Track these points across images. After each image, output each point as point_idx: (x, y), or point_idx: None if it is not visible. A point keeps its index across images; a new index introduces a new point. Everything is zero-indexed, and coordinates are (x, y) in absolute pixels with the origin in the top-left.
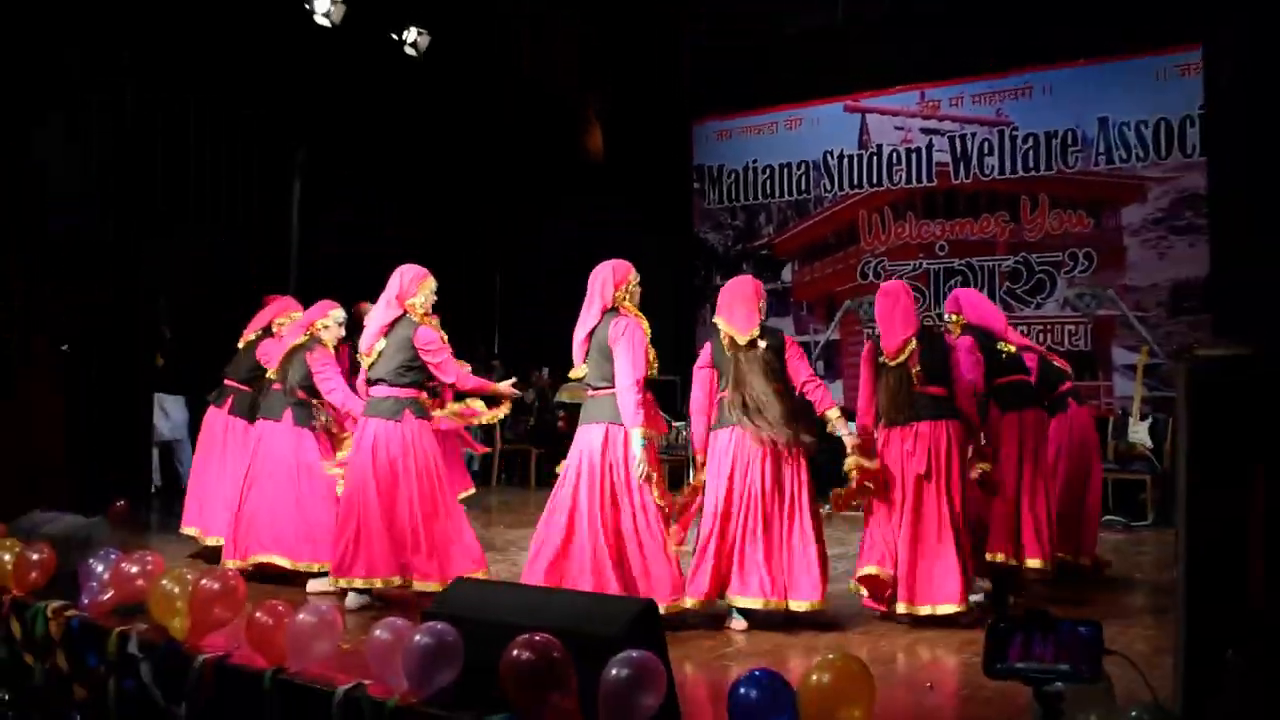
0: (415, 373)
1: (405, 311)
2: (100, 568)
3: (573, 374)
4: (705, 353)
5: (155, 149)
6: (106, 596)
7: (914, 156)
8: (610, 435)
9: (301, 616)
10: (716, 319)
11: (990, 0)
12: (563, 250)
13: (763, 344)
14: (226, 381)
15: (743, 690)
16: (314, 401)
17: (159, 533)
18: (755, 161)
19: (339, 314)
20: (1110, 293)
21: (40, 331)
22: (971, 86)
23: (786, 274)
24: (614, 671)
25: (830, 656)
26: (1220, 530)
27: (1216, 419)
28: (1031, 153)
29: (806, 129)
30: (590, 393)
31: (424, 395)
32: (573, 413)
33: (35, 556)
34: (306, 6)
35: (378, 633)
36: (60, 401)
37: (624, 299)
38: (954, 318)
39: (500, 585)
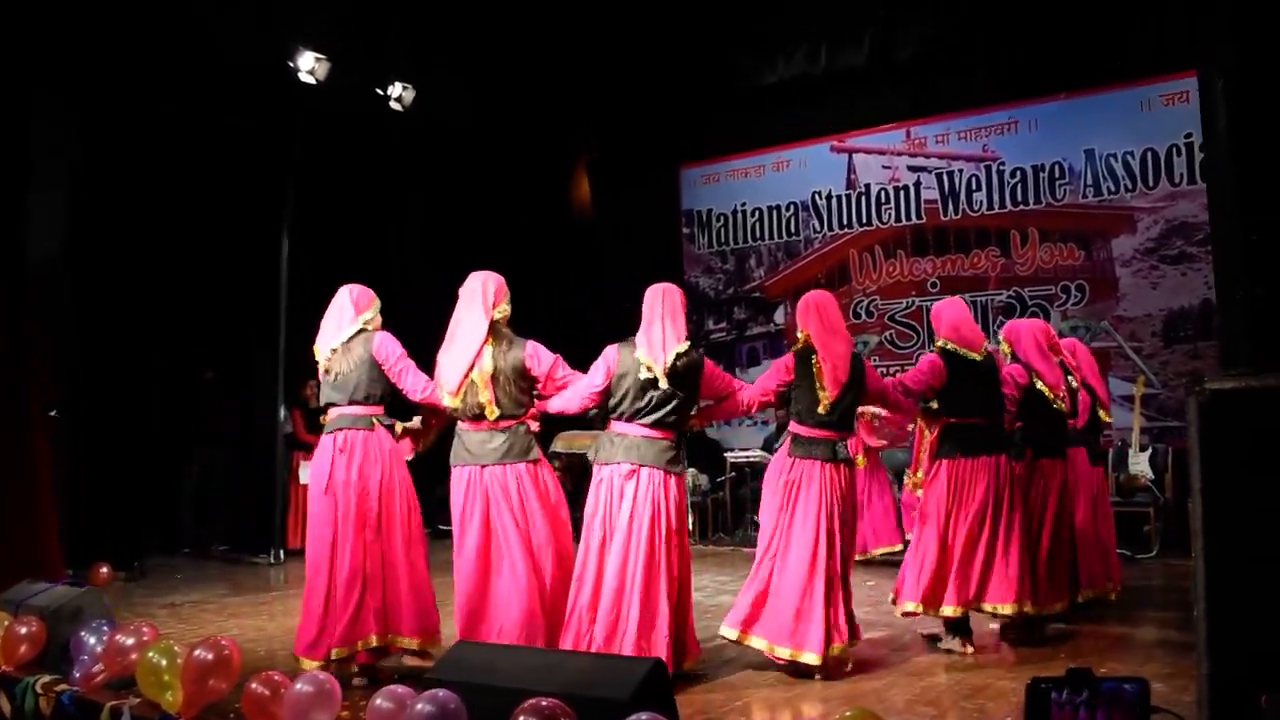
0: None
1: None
2: (93, 640)
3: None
4: None
5: (143, 165)
6: (98, 670)
7: (902, 194)
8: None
9: (299, 686)
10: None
11: (973, 38)
12: (553, 298)
13: None
14: None
15: None
16: None
17: (151, 599)
18: (744, 204)
19: None
20: (1104, 324)
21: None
22: (957, 123)
23: (779, 316)
24: None
25: (848, 714)
26: (1241, 565)
27: (1232, 452)
28: (1020, 187)
29: (794, 170)
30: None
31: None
32: (570, 462)
33: (24, 630)
34: (291, 65)
35: (378, 701)
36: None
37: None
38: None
39: (504, 648)
